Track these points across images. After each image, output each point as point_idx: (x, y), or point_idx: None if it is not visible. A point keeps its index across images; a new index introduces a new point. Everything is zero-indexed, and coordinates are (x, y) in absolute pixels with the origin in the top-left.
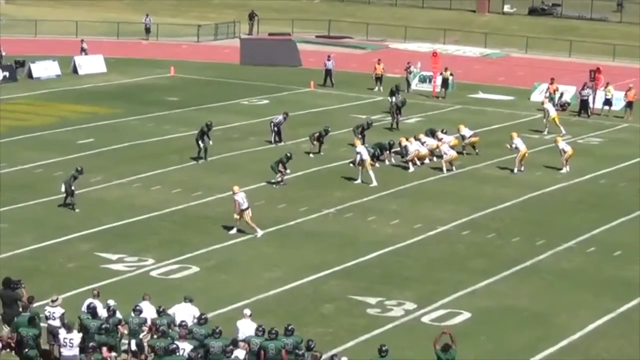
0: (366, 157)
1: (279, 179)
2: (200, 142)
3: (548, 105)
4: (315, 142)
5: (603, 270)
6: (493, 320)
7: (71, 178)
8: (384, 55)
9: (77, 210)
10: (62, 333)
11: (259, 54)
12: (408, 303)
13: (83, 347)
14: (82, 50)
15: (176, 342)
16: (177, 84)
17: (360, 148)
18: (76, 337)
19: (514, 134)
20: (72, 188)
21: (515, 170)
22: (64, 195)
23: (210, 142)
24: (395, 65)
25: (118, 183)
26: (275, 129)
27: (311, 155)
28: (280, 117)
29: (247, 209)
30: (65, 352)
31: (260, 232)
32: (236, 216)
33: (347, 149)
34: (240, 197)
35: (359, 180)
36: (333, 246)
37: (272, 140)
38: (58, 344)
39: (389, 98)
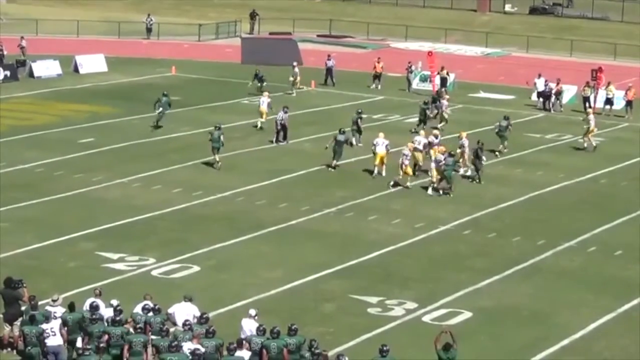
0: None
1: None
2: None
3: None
4: (357, 134)
5: (604, 270)
6: (494, 319)
7: None
8: (384, 54)
9: None
10: (43, 325)
11: (260, 53)
12: (409, 302)
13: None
14: (20, 47)
15: (183, 343)
16: (178, 83)
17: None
18: (56, 325)
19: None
20: None
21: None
22: None
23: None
24: (397, 64)
25: (119, 182)
26: (280, 126)
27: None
28: (281, 113)
29: None
30: (50, 342)
31: None
32: None
33: (348, 148)
34: None
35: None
36: (334, 245)
37: (274, 140)
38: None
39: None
